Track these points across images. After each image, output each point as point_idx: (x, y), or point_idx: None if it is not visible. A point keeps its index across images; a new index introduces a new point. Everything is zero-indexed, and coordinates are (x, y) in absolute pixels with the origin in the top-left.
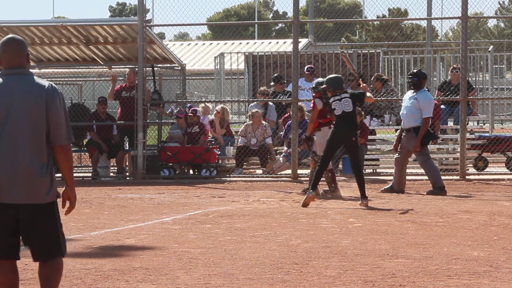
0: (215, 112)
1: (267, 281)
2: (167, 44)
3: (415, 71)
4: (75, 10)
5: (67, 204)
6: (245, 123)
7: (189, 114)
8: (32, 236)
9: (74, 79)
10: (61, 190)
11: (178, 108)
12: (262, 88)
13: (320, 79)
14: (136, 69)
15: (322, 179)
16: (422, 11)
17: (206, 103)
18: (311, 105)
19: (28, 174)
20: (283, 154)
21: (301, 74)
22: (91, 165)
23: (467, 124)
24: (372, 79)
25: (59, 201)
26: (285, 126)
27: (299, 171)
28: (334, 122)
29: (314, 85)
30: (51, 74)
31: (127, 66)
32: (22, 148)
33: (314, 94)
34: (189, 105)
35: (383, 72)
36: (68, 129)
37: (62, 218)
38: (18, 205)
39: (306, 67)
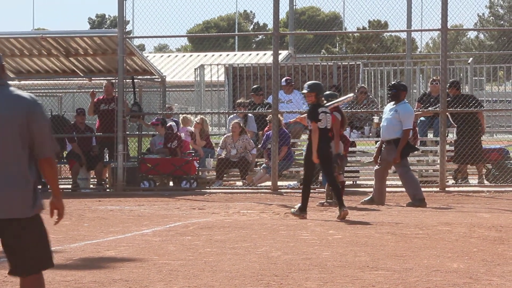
0: (195, 123)
1: None
2: (147, 56)
3: (394, 83)
4: (55, 22)
5: (55, 214)
6: (225, 135)
7: (168, 131)
8: (15, 251)
9: (54, 91)
10: (46, 202)
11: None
12: (238, 101)
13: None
14: (114, 81)
15: (322, 190)
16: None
17: (186, 114)
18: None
19: (9, 188)
20: (263, 165)
21: (280, 86)
22: (71, 177)
23: (447, 136)
24: (357, 92)
25: (47, 212)
26: (263, 137)
27: (279, 183)
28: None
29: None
30: (31, 86)
31: (107, 78)
32: (3, 162)
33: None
34: (174, 119)
35: (363, 84)
36: (52, 140)
37: None
38: (1, 220)
39: (283, 79)
